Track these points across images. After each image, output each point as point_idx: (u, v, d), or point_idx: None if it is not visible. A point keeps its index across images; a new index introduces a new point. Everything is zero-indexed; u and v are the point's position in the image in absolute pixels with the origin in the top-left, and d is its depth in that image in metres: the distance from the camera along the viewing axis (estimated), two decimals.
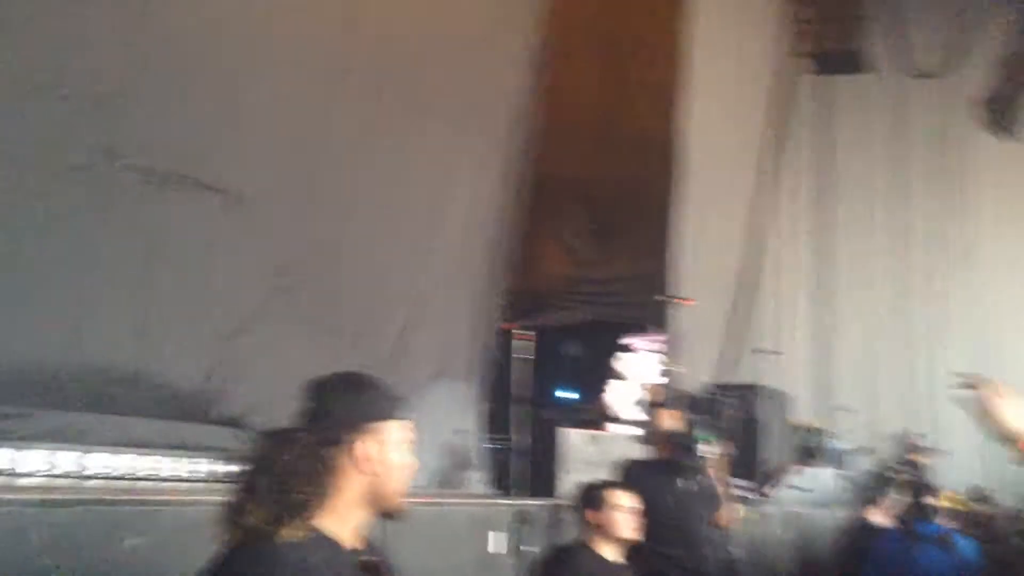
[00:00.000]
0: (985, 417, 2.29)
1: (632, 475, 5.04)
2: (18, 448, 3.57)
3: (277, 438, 2.01)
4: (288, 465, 1.94)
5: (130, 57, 5.17)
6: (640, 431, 6.92)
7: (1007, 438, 2.22)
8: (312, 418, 2.05)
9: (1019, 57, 11.46)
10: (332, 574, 1.89)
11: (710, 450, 5.32)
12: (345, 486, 2.01)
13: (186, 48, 5.56)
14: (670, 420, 5.28)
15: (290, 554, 1.86)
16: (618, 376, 8.46)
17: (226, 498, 1.92)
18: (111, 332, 5.01)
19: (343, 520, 2.01)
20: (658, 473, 5.10)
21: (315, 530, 1.94)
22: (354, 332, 6.69)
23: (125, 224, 5.11)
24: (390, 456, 2.05)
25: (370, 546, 2.10)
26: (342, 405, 2.06)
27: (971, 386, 2.39)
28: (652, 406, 5.59)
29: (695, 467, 5.15)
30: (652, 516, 4.77)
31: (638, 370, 8.37)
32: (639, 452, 5.43)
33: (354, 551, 2.02)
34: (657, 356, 8.35)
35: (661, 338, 8.31)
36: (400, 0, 7.13)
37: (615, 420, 8.36)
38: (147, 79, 5.28)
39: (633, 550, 4.38)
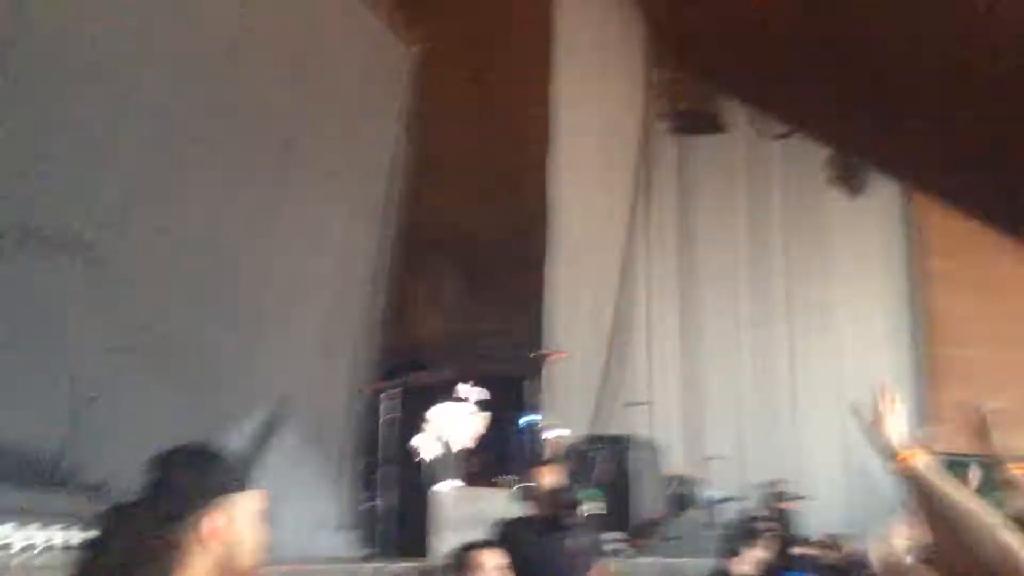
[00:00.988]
0: (872, 429, 2.37)
1: (515, 534, 5.00)
2: None
3: (120, 513, 1.92)
4: (128, 544, 1.87)
5: None
6: (511, 487, 6.97)
7: (885, 452, 2.31)
8: (155, 493, 1.96)
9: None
10: None
11: (595, 506, 5.34)
12: (190, 564, 1.92)
13: (42, 96, 5.38)
14: (552, 476, 5.24)
15: None
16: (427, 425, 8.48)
17: (76, 569, 1.84)
18: None
19: None
20: (543, 531, 5.08)
21: None
22: (219, 394, 6.51)
23: None
24: (238, 529, 1.98)
25: None
26: (186, 479, 1.97)
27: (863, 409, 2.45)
28: (532, 463, 5.56)
29: (581, 524, 5.15)
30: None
31: (446, 418, 8.39)
32: (514, 510, 5.39)
33: None
34: (468, 405, 8.34)
35: (476, 389, 8.35)
36: (269, 56, 7.07)
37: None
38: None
39: None
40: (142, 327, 6.00)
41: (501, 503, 5.67)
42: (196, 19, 6.40)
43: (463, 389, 8.27)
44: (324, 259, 7.60)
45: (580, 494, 5.25)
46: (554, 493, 5.15)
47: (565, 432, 8.17)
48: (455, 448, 8.05)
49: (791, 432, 12.38)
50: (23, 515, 4.50)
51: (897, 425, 2.36)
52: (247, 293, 6.78)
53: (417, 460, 7.70)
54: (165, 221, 6.20)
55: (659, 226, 12.25)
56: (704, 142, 12.61)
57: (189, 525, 1.92)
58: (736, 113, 12.63)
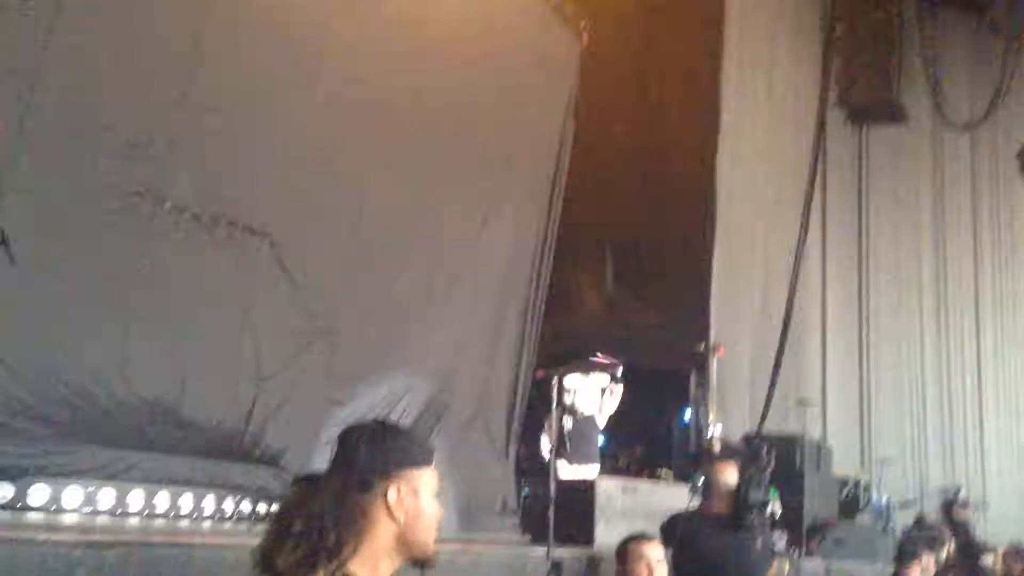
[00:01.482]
0: None
1: (689, 530, 4.95)
2: (59, 484, 3.60)
3: (310, 483, 2.03)
4: (320, 511, 1.96)
5: (177, 100, 5.28)
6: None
7: None
8: (345, 464, 2.06)
9: None
10: None
11: (773, 507, 5.22)
12: (375, 533, 2.02)
13: (233, 93, 5.67)
14: (729, 474, 5.13)
15: None
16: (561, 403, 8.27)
17: (259, 541, 1.94)
18: (153, 370, 5.06)
19: (374, 568, 2.01)
20: (719, 529, 4.99)
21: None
22: (391, 379, 6.70)
23: (168, 264, 5.18)
24: (420, 503, 2.06)
25: None
26: (374, 452, 2.07)
27: None
28: (710, 459, 5.45)
29: (758, 524, 5.04)
30: (709, 574, 4.71)
31: (582, 395, 8.20)
32: (680, 504, 5.29)
33: None
34: (603, 378, 8.17)
35: (609, 361, 8.15)
36: (440, 49, 7.20)
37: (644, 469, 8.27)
38: (193, 122, 5.38)
39: None
40: (319, 313, 6.25)
41: (663, 496, 5.62)
42: (371, 16, 6.60)
43: (600, 362, 8.20)
44: (492, 247, 7.70)
45: (766, 495, 5.13)
46: (739, 491, 5.02)
47: (728, 429, 8.01)
48: (591, 420, 8.02)
49: (971, 436, 11.69)
50: (210, 485, 4.78)
51: None
52: (418, 279, 6.95)
53: (551, 435, 7.65)
54: (342, 213, 6.44)
55: (835, 218, 11.79)
56: (883, 131, 12.03)
57: (377, 494, 2.02)
58: (919, 100, 11.98)
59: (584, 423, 8.11)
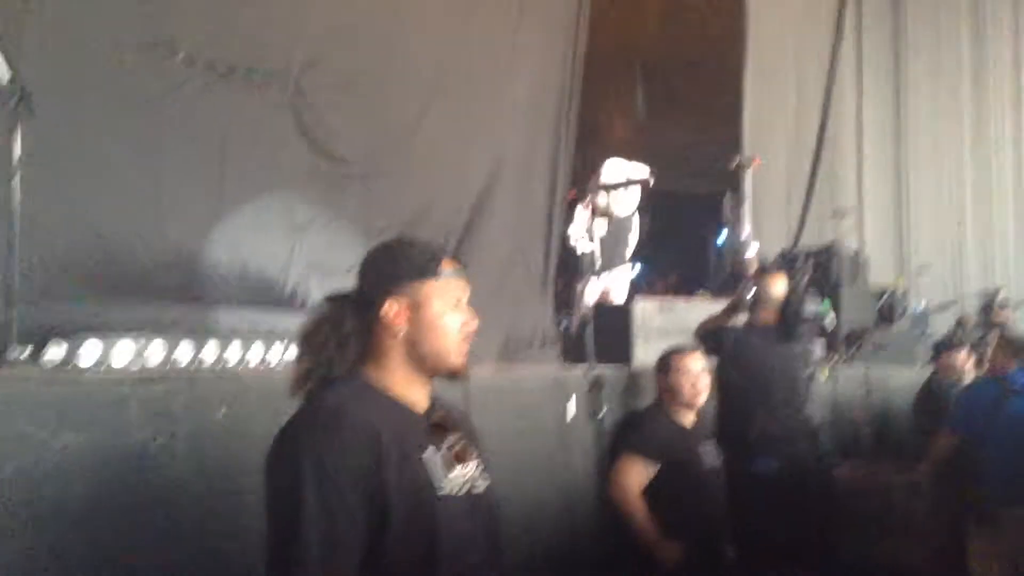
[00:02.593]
0: None
1: (737, 340, 5.04)
2: (109, 340, 3.71)
3: (327, 305, 2.10)
4: (334, 329, 2.03)
5: None
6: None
7: None
8: (360, 280, 2.11)
9: None
10: (371, 422, 1.93)
11: (828, 317, 5.30)
12: (382, 350, 2.06)
13: None
14: (778, 285, 5.15)
15: (342, 408, 1.93)
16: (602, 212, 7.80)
17: (294, 359, 2.05)
18: (188, 223, 5.13)
19: (403, 381, 2.06)
20: (767, 340, 5.08)
21: (373, 388, 2.02)
22: (428, 213, 6.73)
23: (190, 117, 5.16)
24: (426, 315, 2.05)
25: (441, 405, 2.14)
26: (376, 269, 2.09)
27: None
28: (757, 272, 5.49)
29: (807, 335, 5.12)
30: (757, 383, 4.81)
31: (617, 197, 7.77)
32: (722, 325, 5.34)
33: (418, 413, 2.07)
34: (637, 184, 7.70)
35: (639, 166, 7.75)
36: None
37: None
38: None
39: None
40: (350, 154, 6.23)
41: (701, 313, 5.67)
42: None
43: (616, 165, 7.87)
44: (519, 72, 7.56)
45: (817, 312, 5.19)
46: (789, 303, 5.08)
47: (766, 247, 7.98)
48: (625, 221, 7.83)
49: (1010, 239, 11.58)
50: (258, 334, 4.91)
51: None
52: (447, 122, 6.87)
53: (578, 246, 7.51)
54: (368, 58, 6.32)
55: (869, 22, 11.34)
56: None
57: (375, 313, 2.05)
58: None
59: (619, 226, 7.89)
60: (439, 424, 2.07)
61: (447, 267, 2.10)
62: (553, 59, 7.87)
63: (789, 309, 5.03)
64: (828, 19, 10.63)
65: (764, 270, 5.21)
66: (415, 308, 2.05)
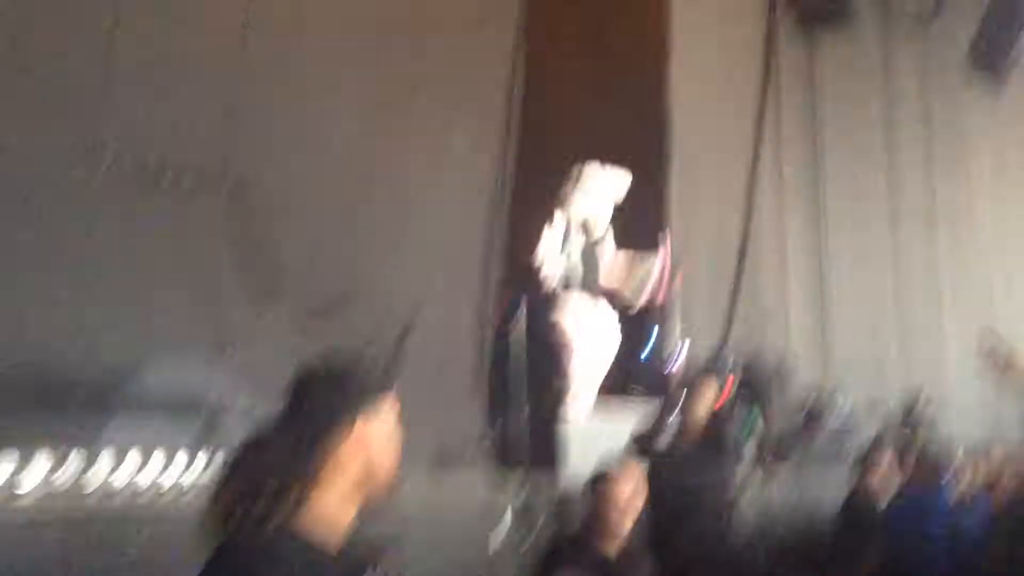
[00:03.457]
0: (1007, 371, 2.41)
1: (669, 447, 5.02)
2: (28, 451, 3.59)
3: (263, 433, 1.98)
4: (274, 460, 1.90)
5: (117, 47, 5.15)
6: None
7: None
8: (298, 409, 2.00)
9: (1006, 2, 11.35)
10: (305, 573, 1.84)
11: (756, 423, 5.32)
12: (337, 475, 1.97)
13: (175, 37, 5.54)
14: (707, 391, 5.15)
15: (265, 553, 1.82)
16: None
17: (211, 496, 1.90)
18: (114, 334, 5.03)
19: (335, 512, 1.97)
20: (698, 447, 5.06)
21: (296, 534, 1.90)
22: (361, 320, 6.70)
23: (120, 220, 5.10)
24: (374, 446, 2.01)
25: (365, 537, 2.06)
26: (329, 392, 2.02)
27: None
28: (688, 383, 5.48)
29: (738, 443, 5.13)
30: (688, 490, 4.79)
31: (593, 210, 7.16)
32: (655, 430, 5.32)
33: (339, 554, 1.96)
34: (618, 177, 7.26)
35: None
36: None
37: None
38: (135, 69, 5.26)
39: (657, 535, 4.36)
40: (283, 260, 6.21)
41: (636, 415, 5.66)
42: None
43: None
44: (452, 179, 7.67)
45: (747, 418, 5.21)
46: (718, 416, 5.07)
47: (695, 348, 8.07)
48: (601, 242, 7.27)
49: (930, 339, 11.92)
50: (175, 446, 4.78)
51: None
52: (379, 227, 6.91)
53: (543, 274, 6.97)
54: (304, 155, 6.36)
55: (788, 126, 11.75)
56: (833, 39, 11.93)
57: (335, 436, 1.97)
58: (868, 2, 11.88)
59: (594, 248, 7.34)
60: (361, 562, 2.01)
61: (388, 385, 2.08)
62: (484, 164, 8.02)
63: (718, 417, 5.06)
64: (749, 130, 11.02)
65: (694, 376, 5.23)
66: (365, 439, 2.00)
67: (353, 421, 1.98)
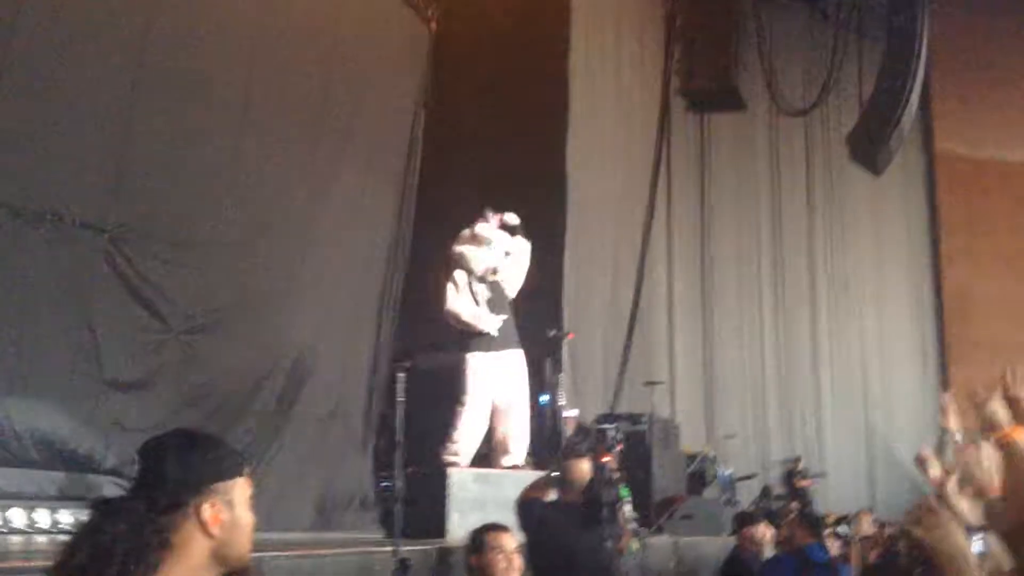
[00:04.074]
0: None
1: (545, 518, 5.05)
2: None
3: (108, 506, 1.88)
4: (112, 538, 1.80)
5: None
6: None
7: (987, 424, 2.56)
8: (151, 482, 1.92)
9: (883, 94, 12.06)
10: None
11: (626, 504, 5.39)
12: (188, 552, 1.90)
13: (67, 81, 5.46)
14: (582, 468, 5.24)
15: None
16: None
17: (55, 562, 1.79)
18: None
19: None
20: (573, 521, 5.08)
21: None
22: (246, 374, 6.60)
23: None
24: (236, 515, 1.97)
25: None
26: (184, 466, 1.94)
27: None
28: (564, 454, 5.54)
29: (609, 519, 5.18)
30: (562, 560, 4.82)
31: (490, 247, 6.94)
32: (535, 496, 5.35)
33: None
34: (502, 239, 7.03)
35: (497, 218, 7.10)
36: (295, 37, 7.15)
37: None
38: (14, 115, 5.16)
39: None
40: (168, 309, 6.10)
41: (519, 483, 5.69)
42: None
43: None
44: (348, 237, 7.69)
45: (620, 494, 5.28)
46: (592, 489, 5.15)
47: (584, 412, 8.16)
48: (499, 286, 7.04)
49: (811, 411, 12.38)
50: (49, 497, 4.61)
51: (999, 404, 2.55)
52: (275, 279, 6.87)
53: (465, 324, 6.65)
54: (182, 203, 6.29)
55: (679, 204, 12.18)
56: (724, 118, 12.49)
57: (190, 512, 1.90)
58: (756, 88, 12.50)
59: (499, 290, 7.06)
60: None
61: (246, 464, 2.03)
62: (386, 216, 8.08)
63: (590, 493, 5.15)
64: (643, 201, 11.37)
65: (568, 453, 5.32)
66: (227, 508, 1.94)
67: (200, 502, 1.91)
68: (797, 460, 10.63)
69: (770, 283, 12.78)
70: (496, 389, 6.79)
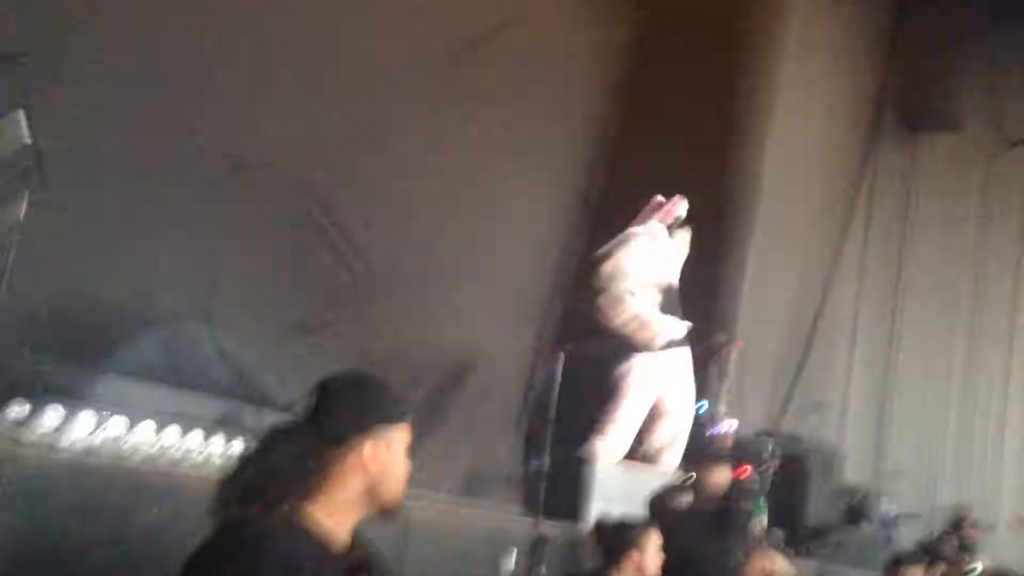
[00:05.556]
0: None
1: (677, 520, 5.02)
2: (72, 408, 3.73)
3: (280, 432, 2.06)
4: (285, 459, 1.98)
5: (218, 44, 5.37)
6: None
7: None
8: (321, 415, 2.07)
9: None
10: (303, 567, 1.89)
11: (759, 519, 5.29)
12: (345, 485, 2.04)
13: (275, 42, 5.74)
14: (719, 475, 5.17)
15: (263, 543, 1.88)
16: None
17: (219, 483, 1.97)
18: (181, 305, 5.19)
19: (338, 518, 2.04)
20: (703, 526, 5.04)
21: (299, 525, 1.97)
22: (408, 341, 6.80)
23: (196, 204, 5.28)
24: (393, 458, 2.09)
25: (363, 545, 2.12)
26: (352, 406, 2.10)
27: None
28: (705, 458, 5.49)
29: (740, 530, 5.10)
30: (689, 566, 4.77)
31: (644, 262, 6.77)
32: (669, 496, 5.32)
33: (339, 553, 2.02)
34: (663, 236, 6.89)
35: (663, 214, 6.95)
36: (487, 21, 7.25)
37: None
38: (232, 66, 5.47)
39: None
40: (356, 263, 6.36)
41: (658, 482, 5.65)
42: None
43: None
44: (522, 221, 7.77)
45: (754, 509, 5.19)
46: (728, 497, 5.08)
47: (744, 425, 7.95)
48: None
49: (988, 460, 11.60)
50: (224, 426, 4.90)
51: None
52: (444, 252, 7.03)
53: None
54: (375, 168, 6.52)
55: (878, 223, 11.64)
56: (936, 140, 11.81)
57: (349, 448, 2.05)
58: (975, 111, 11.73)
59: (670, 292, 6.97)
60: (358, 566, 2.07)
61: (410, 412, 2.17)
62: (561, 209, 8.11)
63: (725, 502, 5.06)
64: (838, 214, 10.94)
65: (707, 458, 5.24)
66: (386, 450, 2.08)
67: (363, 440, 2.06)
68: (967, 507, 9.99)
69: (966, 320, 12.04)
70: (659, 389, 6.71)
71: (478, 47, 7.20)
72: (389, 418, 2.11)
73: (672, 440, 6.77)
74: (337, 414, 2.08)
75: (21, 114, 3.55)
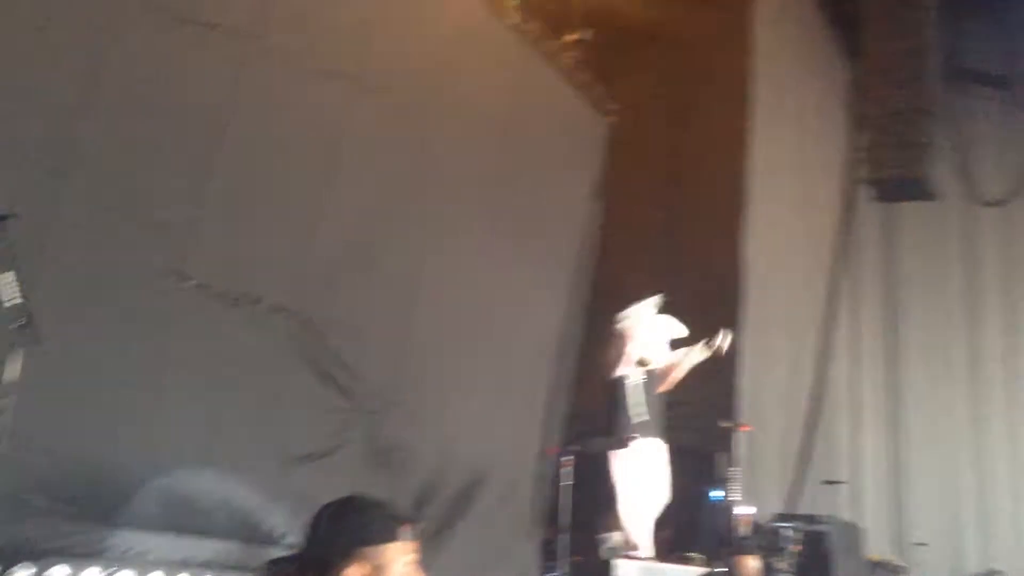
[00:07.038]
0: None
1: None
2: (79, 565, 3.65)
3: (273, 566, 2.06)
4: None
5: (202, 179, 5.43)
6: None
7: None
8: (306, 545, 2.03)
9: None
10: None
11: None
12: None
13: (258, 173, 5.81)
14: (752, 566, 5.12)
15: None
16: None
17: None
18: (182, 453, 5.12)
19: None
20: None
21: None
22: (418, 461, 6.71)
23: (195, 344, 5.26)
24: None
25: None
26: (336, 529, 2.04)
27: None
28: (733, 550, 5.43)
29: None
30: None
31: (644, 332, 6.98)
32: None
33: None
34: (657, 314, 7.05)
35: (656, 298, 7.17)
36: (473, 121, 7.38)
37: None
38: (217, 201, 5.52)
39: None
40: (354, 388, 6.30)
41: None
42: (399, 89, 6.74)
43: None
44: (519, 324, 7.77)
45: None
46: None
47: (753, 510, 7.85)
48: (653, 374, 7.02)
49: (1009, 521, 11.40)
50: (232, 569, 4.80)
51: None
52: (449, 367, 7.00)
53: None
54: (369, 288, 6.53)
55: (863, 298, 11.72)
56: (911, 209, 11.98)
57: (333, 574, 1.96)
58: (947, 179, 11.94)
59: (652, 376, 7.08)
60: None
61: (405, 528, 2.10)
62: (559, 306, 8.13)
63: None
64: (824, 290, 11.00)
65: (737, 550, 5.17)
66: (377, 572, 2.00)
67: (347, 565, 1.98)
68: (994, 573, 9.79)
69: (966, 381, 11.99)
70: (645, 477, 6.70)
71: (465, 161, 7.31)
72: (376, 539, 2.03)
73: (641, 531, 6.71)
74: (321, 542, 2.03)
75: (12, 275, 3.55)
